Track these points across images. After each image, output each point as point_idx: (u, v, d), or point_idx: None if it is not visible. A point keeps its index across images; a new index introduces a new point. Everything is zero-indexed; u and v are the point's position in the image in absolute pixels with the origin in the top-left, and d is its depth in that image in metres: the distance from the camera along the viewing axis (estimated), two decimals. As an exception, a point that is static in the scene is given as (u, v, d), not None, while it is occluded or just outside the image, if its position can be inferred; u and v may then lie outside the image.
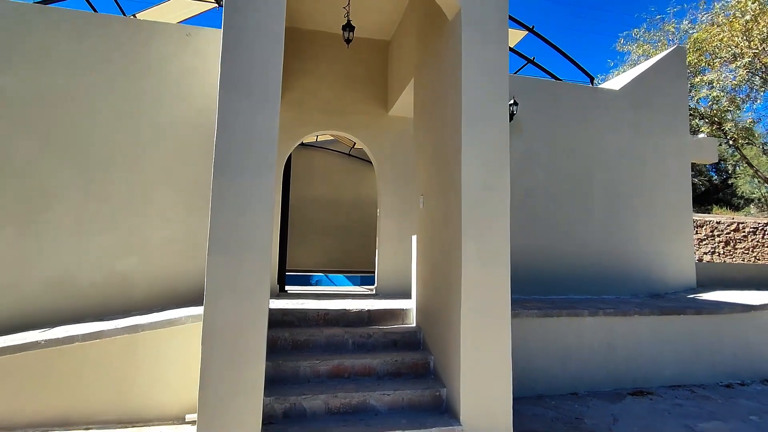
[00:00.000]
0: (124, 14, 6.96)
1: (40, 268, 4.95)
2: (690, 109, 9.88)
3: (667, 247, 7.59)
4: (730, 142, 9.72)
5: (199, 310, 4.34)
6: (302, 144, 11.82)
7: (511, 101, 6.83)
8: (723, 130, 9.71)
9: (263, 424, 3.24)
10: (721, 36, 8.64)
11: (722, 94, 9.37)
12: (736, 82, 9.05)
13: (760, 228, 17.64)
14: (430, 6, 4.53)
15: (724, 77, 8.92)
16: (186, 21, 7.82)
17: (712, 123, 9.85)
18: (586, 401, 5.03)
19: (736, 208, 25.54)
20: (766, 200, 13.64)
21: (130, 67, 5.40)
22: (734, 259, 17.23)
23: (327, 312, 4.60)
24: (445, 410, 3.73)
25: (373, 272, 6.86)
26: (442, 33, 4.27)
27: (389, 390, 3.70)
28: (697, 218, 18.17)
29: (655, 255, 7.53)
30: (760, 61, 8.24)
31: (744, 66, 8.62)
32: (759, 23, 8.18)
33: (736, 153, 11.00)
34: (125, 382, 4.14)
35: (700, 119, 9.90)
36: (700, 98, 9.48)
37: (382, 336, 4.39)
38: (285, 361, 3.84)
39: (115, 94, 5.33)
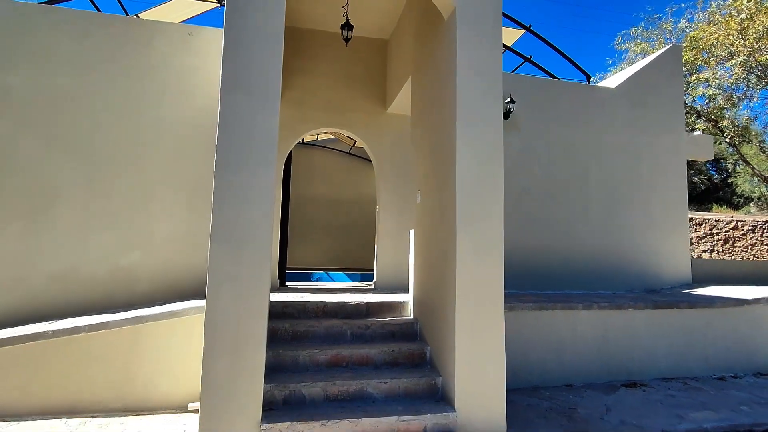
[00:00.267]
0: (127, 14, 7.08)
1: (45, 263, 5.06)
2: (686, 107, 9.97)
3: (662, 243, 7.69)
4: (727, 140, 9.79)
5: (200, 303, 4.45)
6: (303, 143, 11.93)
7: (508, 99, 6.94)
8: (719, 127, 9.78)
9: (264, 410, 3.34)
10: (717, 34, 8.72)
11: (718, 92, 9.45)
12: (732, 80, 9.14)
13: (759, 226, 17.71)
14: (426, 5, 4.64)
15: (719, 75, 9.01)
16: (188, 21, 7.93)
17: (709, 120, 9.93)
18: (581, 392, 5.13)
19: (736, 207, 25.59)
20: (766, 199, 13.72)
21: (133, 67, 5.50)
22: (733, 257, 17.31)
23: (326, 304, 4.71)
24: (441, 398, 3.83)
25: (373, 270, 6.98)
26: (438, 32, 4.38)
27: (386, 378, 3.81)
28: (696, 216, 18.24)
29: (650, 251, 7.62)
30: (755, 59, 8.33)
31: (739, 64, 8.71)
32: (755, 21, 8.27)
33: (735, 152, 11.05)
34: (129, 371, 4.25)
35: (697, 117, 9.98)
36: (696, 96, 9.56)
37: (379, 327, 4.50)
38: (285, 351, 3.95)
39: (117, 93, 5.44)
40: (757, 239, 17.56)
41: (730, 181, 26.07)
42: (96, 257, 5.19)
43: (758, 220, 17.94)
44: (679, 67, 8.07)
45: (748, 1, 8.25)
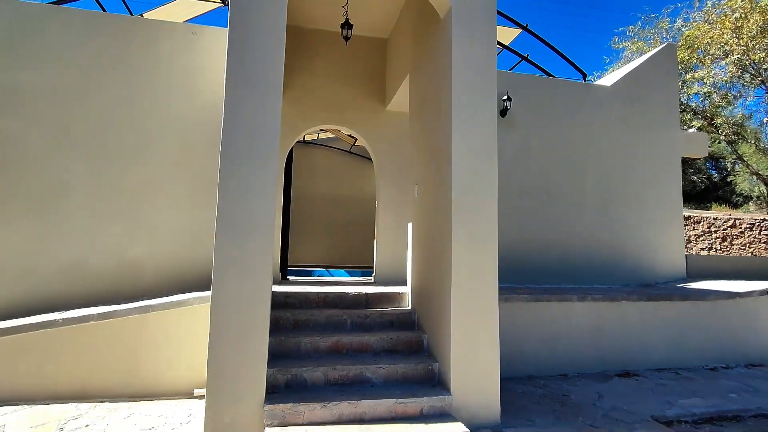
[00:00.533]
0: (131, 14, 7.23)
1: (54, 255, 5.21)
2: (682, 105, 10.09)
3: (657, 238, 7.81)
4: (722, 137, 9.92)
5: (205, 294, 4.61)
6: (304, 141, 12.08)
7: (505, 97, 7.08)
8: (714, 125, 9.91)
9: (267, 392, 3.49)
10: (711, 33, 8.85)
11: (713, 90, 9.58)
12: (726, 79, 9.27)
13: (756, 224, 17.83)
14: (424, 5, 4.78)
15: (714, 73, 9.13)
16: (191, 20, 8.09)
17: (704, 118, 10.06)
18: (574, 381, 5.27)
19: (735, 206, 25.68)
20: (764, 197, 13.84)
21: (139, 65, 5.65)
22: (731, 255, 17.42)
23: (327, 295, 4.86)
24: (437, 383, 3.98)
25: (373, 267, 7.11)
26: (434, 31, 4.52)
27: (385, 364, 3.96)
28: (695, 214, 18.36)
29: (645, 246, 7.75)
30: (749, 58, 8.46)
31: (734, 62, 8.84)
32: (749, 20, 8.39)
33: (732, 150, 11.17)
34: (137, 359, 4.41)
35: (693, 115, 10.11)
36: (692, 94, 9.69)
37: (378, 317, 4.64)
38: (287, 338, 4.10)
39: (125, 91, 5.58)
40: (754, 237, 17.68)
41: (729, 180, 26.16)
42: (103, 250, 5.33)
43: (756, 218, 18.06)
44: (673, 66, 8.20)
45: (742, 0, 8.39)
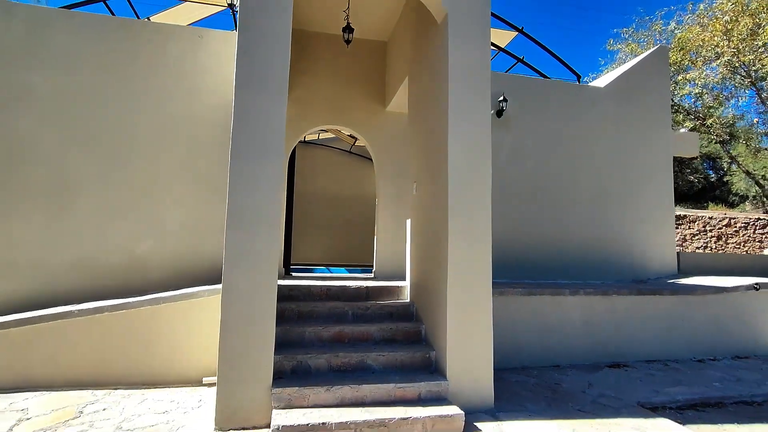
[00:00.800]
0: (138, 17, 7.43)
1: (66, 251, 5.40)
2: (675, 106, 10.32)
3: (650, 235, 8.03)
4: (715, 137, 10.14)
5: (212, 287, 4.82)
6: (305, 141, 12.27)
7: (501, 98, 7.29)
8: (706, 125, 10.14)
9: (274, 378, 3.70)
10: (703, 35, 9.08)
11: (704, 91, 9.80)
12: (717, 80, 9.49)
13: (751, 223, 18.07)
14: (422, 10, 4.99)
15: (705, 75, 9.36)
16: (196, 23, 8.29)
17: (697, 118, 10.28)
18: (566, 371, 5.49)
19: (732, 205, 25.94)
20: (760, 197, 14.07)
21: (148, 67, 5.85)
22: (726, 253, 17.65)
23: (329, 288, 5.07)
24: (434, 370, 4.20)
25: (373, 265, 7.31)
26: (432, 35, 4.74)
27: (384, 352, 4.17)
28: (690, 214, 18.59)
29: (638, 243, 7.97)
30: (739, 59, 8.68)
31: (724, 64, 9.06)
32: (738, 23, 8.62)
33: (724, 150, 11.39)
34: (148, 348, 4.62)
35: (686, 115, 10.33)
36: (684, 95, 9.91)
37: (378, 309, 4.86)
38: (292, 328, 4.32)
39: (134, 91, 5.78)
40: (749, 236, 17.92)
41: (725, 179, 26.42)
42: (112, 246, 5.53)
43: (750, 217, 18.30)
44: (665, 67, 8.43)
45: (732, 4, 8.62)
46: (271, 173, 3.74)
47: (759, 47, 8.34)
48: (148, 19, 7.38)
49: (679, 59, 9.75)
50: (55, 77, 5.59)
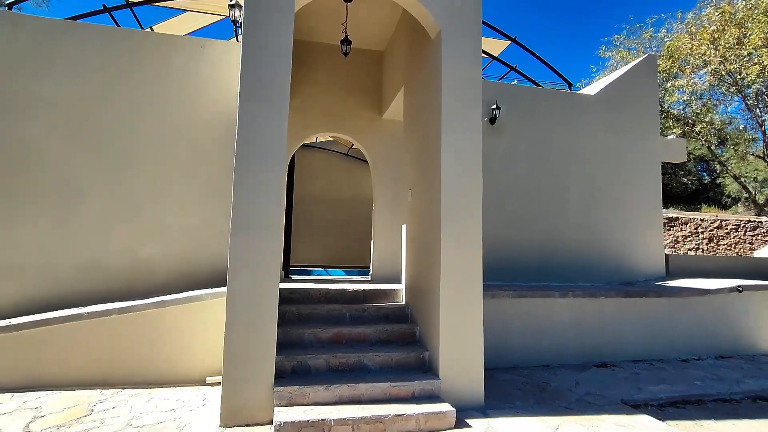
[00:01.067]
0: (141, 27, 7.63)
1: (72, 254, 5.57)
2: (664, 112, 10.58)
3: (638, 238, 8.28)
4: (703, 142, 10.41)
5: (216, 290, 5.03)
6: (303, 145, 12.47)
7: (494, 106, 7.52)
8: (695, 131, 10.41)
9: (275, 377, 3.90)
10: (691, 44, 9.34)
11: (693, 98, 10.07)
12: (705, 87, 9.76)
13: (741, 225, 18.38)
14: (416, 24, 5.20)
15: (693, 82, 9.62)
16: (196, 32, 8.50)
17: (686, 124, 10.55)
18: (555, 371, 5.72)
19: (725, 207, 26.31)
20: (752, 199, 14.36)
21: (152, 76, 6.02)
22: (717, 255, 17.96)
23: (328, 291, 5.28)
24: (428, 369, 4.41)
25: (370, 267, 7.52)
26: (426, 48, 4.96)
27: (381, 353, 4.38)
28: (682, 216, 18.89)
29: (627, 246, 8.21)
30: (725, 68, 8.94)
31: (711, 72, 9.33)
32: (725, 33, 8.88)
33: (711, 154, 11.66)
34: (154, 349, 4.82)
35: (675, 121, 10.60)
36: (673, 102, 10.18)
37: (375, 311, 5.07)
38: (292, 330, 4.52)
39: (138, 99, 5.96)
40: (740, 237, 18.23)
41: (718, 182, 26.78)
42: (118, 249, 5.71)
43: (741, 219, 18.61)
44: (654, 75, 8.68)
45: (717, 15, 8.89)
46: (274, 181, 3.95)
47: (744, 56, 8.59)
48: (151, 28, 7.58)
49: (669, 67, 10.01)
50: (62, 86, 5.75)
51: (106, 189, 5.77)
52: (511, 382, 5.18)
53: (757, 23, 8.46)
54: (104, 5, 6.69)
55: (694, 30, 9.57)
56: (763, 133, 9.58)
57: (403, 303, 5.37)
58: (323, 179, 13.11)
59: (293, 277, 7.68)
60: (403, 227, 5.69)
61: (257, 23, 4.07)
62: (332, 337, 4.61)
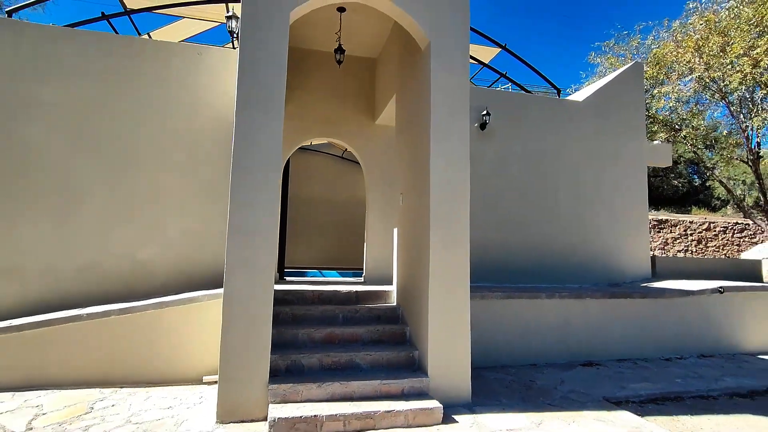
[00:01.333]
0: (139, 33, 7.77)
1: (73, 256, 5.69)
2: (651, 117, 10.84)
3: (625, 241, 8.50)
4: (689, 147, 10.67)
5: (213, 291, 5.17)
6: (299, 147, 12.60)
7: (485, 112, 7.72)
8: (682, 135, 10.67)
9: (270, 375, 4.05)
10: (676, 52, 9.60)
11: (678, 104, 10.34)
12: (690, 94, 10.02)
13: (729, 227, 18.73)
14: (408, 34, 5.38)
15: (679, 89, 9.88)
16: (192, 37, 8.65)
17: (673, 129, 10.81)
18: (542, 370, 5.91)
19: (714, 209, 26.73)
20: (740, 201, 14.67)
21: (151, 81, 6.14)
22: (705, 256, 18.29)
23: (321, 293, 5.44)
24: (417, 368, 4.58)
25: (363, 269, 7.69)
26: (416, 58, 5.14)
27: (372, 352, 4.55)
28: (672, 218, 19.22)
29: (614, 248, 8.43)
30: (709, 75, 9.20)
31: (696, 79, 9.59)
32: (709, 41, 9.14)
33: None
34: (152, 349, 4.96)
35: (662, 126, 10.85)
36: (659, 107, 10.44)
37: (367, 312, 5.24)
38: (286, 330, 4.68)
39: (138, 104, 6.08)
40: (728, 239, 18.58)
41: (708, 184, 27.19)
42: (117, 251, 5.83)
43: (729, 221, 18.96)
44: (640, 82, 8.91)
45: (701, 24, 9.16)
46: (269, 187, 4.11)
47: (727, 64, 8.85)
48: (148, 35, 7.72)
49: (655, 73, 10.26)
50: (62, 91, 5.87)
51: (105, 191, 5.88)
52: (499, 380, 5.36)
53: (739, 32, 8.72)
54: (102, 12, 6.82)
55: (679, 38, 9.82)
56: (747, 138, 9.83)
57: (395, 304, 5.54)
58: (319, 182, 13.23)
59: (288, 278, 7.83)
60: (395, 231, 5.86)
61: (253, 35, 4.23)
62: (325, 337, 4.77)
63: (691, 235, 18.47)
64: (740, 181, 21.89)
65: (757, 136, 9.95)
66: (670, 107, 10.38)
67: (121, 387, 4.76)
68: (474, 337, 5.32)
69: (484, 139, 7.85)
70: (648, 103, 10.83)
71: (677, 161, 20.17)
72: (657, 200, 26.28)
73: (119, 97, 6.05)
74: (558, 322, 6.39)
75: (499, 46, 8.34)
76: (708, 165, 11.54)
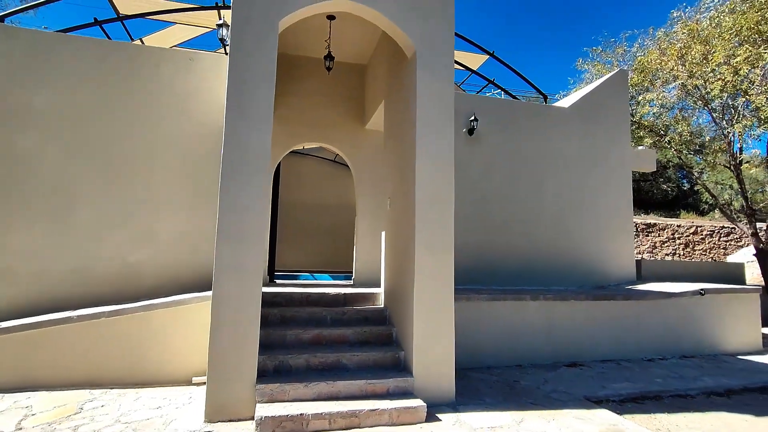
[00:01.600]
0: (132, 38, 7.85)
1: (65, 260, 5.74)
2: (636, 122, 11.07)
3: (610, 244, 8.66)
4: (673, 151, 10.90)
5: (202, 294, 5.25)
6: (291, 151, 12.69)
7: (473, 117, 7.87)
8: (667, 140, 10.89)
9: (258, 375, 4.14)
10: (660, 60, 9.83)
11: (663, 110, 10.58)
12: (674, 101, 10.26)
13: (716, 231, 19.05)
14: (396, 42, 5.52)
15: (662, 96, 10.11)
16: (185, 43, 8.74)
17: (658, 135, 11.04)
18: (527, 370, 6.03)
19: (702, 213, 27.11)
20: (728, 206, 14.93)
21: (143, 87, 6.23)
22: (693, 259, 18.58)
23: (309, 295, 5.53)
24: (403, 368, 4.69)
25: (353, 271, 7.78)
26: (403, 66, 5.27)
27: (358, 353, 4.64)
28: (660, 222, 19.51)
29: (599, 252, 8.59)
30: (692, 83, 9.42)
31: (679, 87, 9.82)
32: (691, 50, 9.37)
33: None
34: (142, 351, 5.02)
35: (648, 131, 11.08)
36: (644, 113, 10.66)
37: (355, 313, 5.34)
38: (275, 331, 4.77)
39: (130, 110, 6.16)
40: (714, 243, 18.88)
41: (696, 188, 27.57)
42: (108, 254, 5.89)
43: (715, 225, 19.28)
44: (624, 89, 9.11)
45: (685, 32, 9.39)
46: (257, 192, 4.21)
47: (708, 72, 9.08)
48: (141, 40, 7.80)
49: (640, 80, 10.49)
50: (55, 96, 5.93)
51: (98, 196, 5.94)
52: (484, 380, 5.48)
53: (720, 41, 8.96)
54: (95, 18, 6.90)
55: (663, 46, 10.06)
56: (729, 144, 10.07)
57: (382, 306, 5.64)
58: (311, 185, 13.28)
59: (278, 281, 7.91)
60: (383, 234, 5.97)
61: (243, 43, 4.34)
62: (313, 338, 4.86)
63: (679, 238, 18.76)
64: (728, 186, 22.24)
65: (739, 142, 10.18)
66: (655, 113, 10.60)
67: (111, 388, 4.82)
68: (460, 338, 5.45)
69: (472, 144, 8.00)
70: (634, 109, 11.06)
71: (666, 166, 20.49)
72: (647, 204, 26.61)
73: (112, 101, 6.12)
74: (543, 323, 6.52)
75: (487, 53, 8.51)
76: (695, 170, 11.78)
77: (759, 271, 11.50)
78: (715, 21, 9.24)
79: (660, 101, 9.95)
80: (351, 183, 13.48)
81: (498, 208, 8.13)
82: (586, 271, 8.44)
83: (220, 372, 3.98)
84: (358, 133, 7.64)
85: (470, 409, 4.37)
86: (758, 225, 10.94)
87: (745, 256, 15.51)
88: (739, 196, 10.80)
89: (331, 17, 6.12)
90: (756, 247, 10.75)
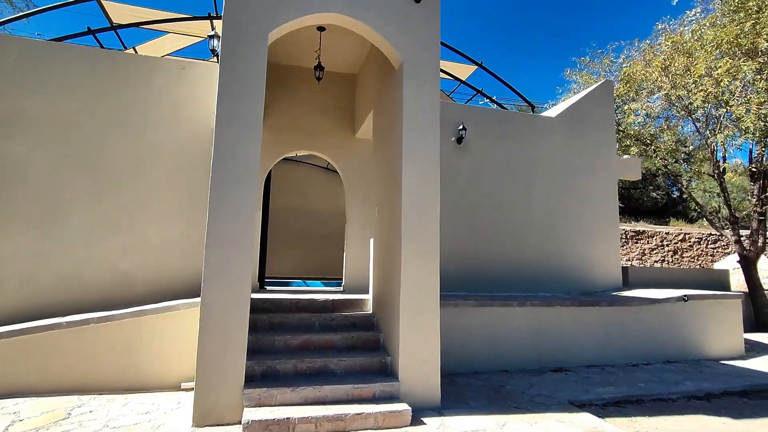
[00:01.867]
0: (125, 47, 7.93)
1: (54, 266, 5.77)
2: (622, 132, 11.29)
3: (596, 251, 8.81)
4: (658, 160, 11.13)
5: (191, 300, 5.30)
6: (283, 158, 12.78)
7: (461, 127, 8.02)
8: (651, 149, 11.12)
9: (246, 380, 4.20)
10: (645, 71, 10.07)
11: (649, 119, 10.83)
12: (658, 111, 10.50)
13: (704, 238, 19.33)
14: (384, 54, 5.66)
15: (648, 106, 10.35)
16: (177, 52, 8.84)
17: (644, 144, 11.26)
18: (513, 375, 6.12)
19: (692, 221, 27.48)
20: (716, 213, 15.20)
21: (134, 96, 6.31)
22: (681, 266, 18.83)
23: (298, 301, 5.60)
24: (389, 373, 4.76)
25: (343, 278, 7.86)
26: (390, 77, 5.41)
27: (346, 358, 4.72)
28: (649, 229, 19.77)
29: (586, 259, 8.73)
30: (675, 94, 9.67)
31: (663, 97, 10.07)
32: (674, 61, 9.62)
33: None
34: (131, 357, 5.06)
35: (634, 140, 11.30)
36: (630, 123, 10.89)
37: (343, 319, 5.42)
38: (263, 337, 4.83)
39: (121, 118, 6.23)
40: (702, 250, 19.16)
41: (684, 196, 27.97)
42: (98, 261, 5.92)
43: (703, 232, 19.57)
44: (610, 99, 9.32)
45: (669, 44, 9.65)
46: (247, 200, 4.29)
47: (691, 83, 9.32)
48: (134, 49, 7.89)
49: (626, 91, 10.73)
50: (47, 103, 5.99)
51: (88, 204, 5.99)
52: (470, 385, 5.56)
53: (703, 53, 9.21)
54: (89, 27, 6.98)
55: (648, 57, 10.31)
56: (712, 153, 10.30)
57: (370, 312, 5.72)
58: (302, 192, 13.34)
59: (268, 288, 7.96)
60: (371, 241, 6.07)
61: (233, 54, 4.45)
62: (301, 343, 4.93)
63: (668, 246, 19.01)
64: (715, 194, 22.61)
65: (722, 151, 10.41)
66: (640, 123, 10.83)
67: (100, 394, 4.85)
68: (447, 344, 5.53)
69: (461, 152, 8.14)
70: (620, 118, 11.29)
71: (656, 174, 20.82)
72: (636, 212, 26.92)
73: (103, 109, 6.19)
74: (529, 329, 6.62)
75: (476, 63, 8.68)
76: (683, 178, 12.02)
77: (744, 278, 11.70)
78: (698, 34, 9.50)
79: (645, 111, 10.17)
80: (342, 190, 13.62)
81: (486, 215, 8.25)
82: (573, 277, 8.57)
83: (207, 377, 4.03)
84: (348, 142, 7.76)
85: (455, 413, 4.45)
86: (742, 232, 11.16)
87: (732, 263, 15.73)
88: (724, 204, 11.01)
89: (321, 29, 6.25)
90: (739, 254, 10.96)
